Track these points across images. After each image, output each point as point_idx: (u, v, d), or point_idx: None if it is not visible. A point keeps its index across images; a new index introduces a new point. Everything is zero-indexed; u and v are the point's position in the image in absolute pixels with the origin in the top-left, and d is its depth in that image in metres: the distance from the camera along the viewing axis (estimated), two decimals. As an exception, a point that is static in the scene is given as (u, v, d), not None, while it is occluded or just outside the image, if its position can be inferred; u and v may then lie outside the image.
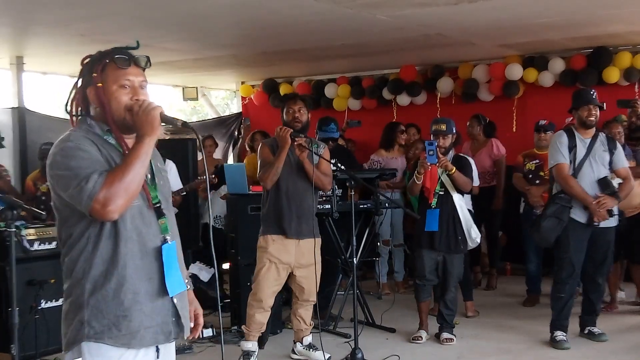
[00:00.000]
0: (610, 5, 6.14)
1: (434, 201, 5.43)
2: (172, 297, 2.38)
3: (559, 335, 5.41)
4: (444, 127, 5.46)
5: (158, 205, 2.39)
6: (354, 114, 9.51)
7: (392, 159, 7.67)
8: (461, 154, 5.96)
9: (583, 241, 5.34)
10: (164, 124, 2.31)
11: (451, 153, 5.57)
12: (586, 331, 5.55)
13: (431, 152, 5.26)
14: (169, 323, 2.39)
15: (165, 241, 2.38)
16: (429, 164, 5.31)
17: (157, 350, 2.40)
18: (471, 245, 5.61)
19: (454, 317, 5.67)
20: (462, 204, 5.54)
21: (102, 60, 2.34)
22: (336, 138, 6.85)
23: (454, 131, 5.60)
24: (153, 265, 2.35)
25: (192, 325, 2.54)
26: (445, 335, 5.57)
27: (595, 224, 5.26)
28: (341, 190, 6.09)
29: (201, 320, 2.60)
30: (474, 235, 5.55)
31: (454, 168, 5.37)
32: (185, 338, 2.53)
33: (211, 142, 8.67)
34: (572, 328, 5.63)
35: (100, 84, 2.33)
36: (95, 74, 2.34)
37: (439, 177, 5.44)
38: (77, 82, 2.40)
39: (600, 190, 5.26)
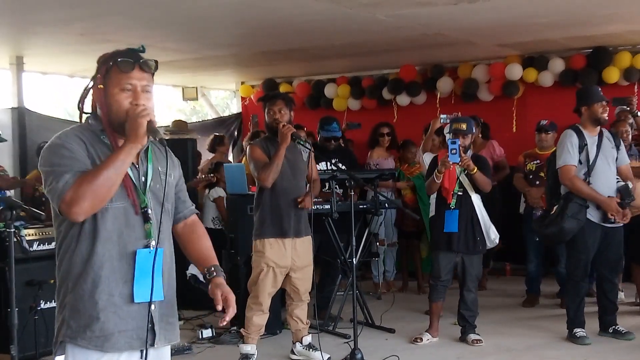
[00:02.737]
0: (610, 5, 6.14)
1: (452, 202, 5.40)
2: (149, 304, 2.33)
3: (579, 331, 5.44)
4: (464, 126, 5.42)
5: (145, 209, 2.35)
6: (354, 113, 9.49)
7: (385, 159, 7.67)
8: (479, 154, 5.89)
9: (597, 240, 5.36)
10: (150, 134, 2.28)
11: (469, 152, 5.51)
12: (611, 330, 5.55)
13: (454, 151, 5.21)
14: (144, 329, 2.33)
15: (147, 246, 2.35)
16: (451, 162, 5.25)
17: (142, 355, 2.33)
18: (490, 245, 5.58)
19: (475, 318, 5.64)
20: (481, 204, 5.50)
21: (107, 63, 2.34)
22: (338, 137, 6.84)
23: (474, 131, 5.57)
24: (130, 269, 2.32)
25: (219, 308, 2.39)
26: (473, 336, 5.54)
27: (611, 222, 5.26)
28: (341, 190, 6.08)
29: (231, 303, 2.40)
30: (492, 236, 5.52)
31: (476, 168, 5.33)
32: (220, 323, 2.47)
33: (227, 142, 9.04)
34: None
35: (101, 86, 2.33)
36: (99, 75, 2.35)
37: (457, 177, 5.41)
38: (89, 81, 2.41)
39: (621, 198, 5.26)
